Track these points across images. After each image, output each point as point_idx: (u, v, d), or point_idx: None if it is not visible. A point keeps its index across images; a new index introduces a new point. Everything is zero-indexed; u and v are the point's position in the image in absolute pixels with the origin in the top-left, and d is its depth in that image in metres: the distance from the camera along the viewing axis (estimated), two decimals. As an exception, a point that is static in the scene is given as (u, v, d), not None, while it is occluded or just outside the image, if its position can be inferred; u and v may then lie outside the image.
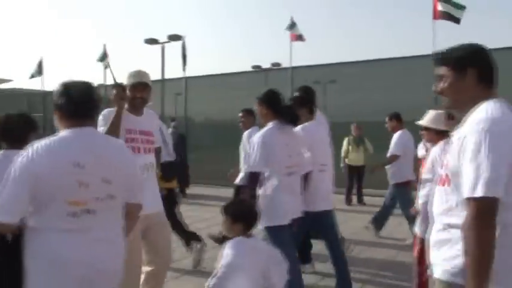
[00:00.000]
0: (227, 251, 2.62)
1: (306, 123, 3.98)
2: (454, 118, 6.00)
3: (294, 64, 12.83)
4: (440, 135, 3.69)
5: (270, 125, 3.56)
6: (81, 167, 2.03)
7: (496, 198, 1.61)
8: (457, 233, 1.76)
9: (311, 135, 3.91)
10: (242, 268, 2.57)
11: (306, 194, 3.81)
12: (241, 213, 2.77)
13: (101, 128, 3.18)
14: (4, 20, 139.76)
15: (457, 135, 1.81)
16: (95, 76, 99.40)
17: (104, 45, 17.32)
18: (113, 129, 3.07)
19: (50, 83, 48.60)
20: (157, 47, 18.86)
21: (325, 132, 4.25)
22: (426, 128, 3.86)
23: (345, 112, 11.22)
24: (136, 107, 3.34)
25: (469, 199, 1.64)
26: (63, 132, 2.12)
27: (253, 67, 19.62)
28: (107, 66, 16.97)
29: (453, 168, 1.79)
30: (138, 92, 3.29)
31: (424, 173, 3.69)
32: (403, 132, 6.24)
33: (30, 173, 1.97)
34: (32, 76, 18.63)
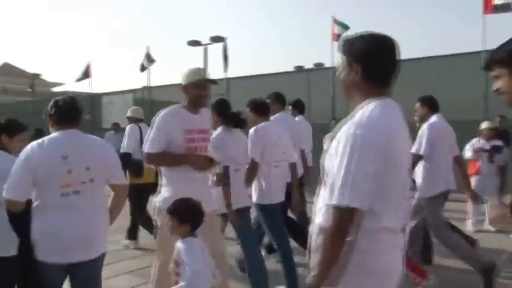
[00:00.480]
0: (185, 260, 2.57)
1: (260, 124, 4.25)
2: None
3: (336, 64, 12.74)
4: None
5: (219, 129, 4.10)
6: (68, 159, 2.69)
7: (359, 209, 1.60)
8: None
9: (261, 135, 4.19)
10: (201, 273, 2.55)
11: (261, 188, 4.24)
12: (189, 214, 2.68)
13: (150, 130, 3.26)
14: (58, 24, 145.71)
15: (335, 135, 1.75)
16: (139, 77, 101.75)
17: (148, 47, 17.70)
18: (170, 161, 3.27)
19: (98, 85, 50.12)
20: (200, 48, 19.16)
21: (282, 131, 4.54)
22: None
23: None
24: (199, 105, 3.33)
25: (334, 206, 1.61)
26: (53, 134, 2.79)
27: (295, 68, 19.56)
28: (144, 68, 17.30)
29: (326, 170, 1.76)
30: (203, 90, 3.29)
31: None
32: None
33: (32, 163, 2.64)
34: (78, 79, 19.27)
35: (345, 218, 1.61)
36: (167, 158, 3.24)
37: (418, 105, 4.90)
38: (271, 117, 5.18)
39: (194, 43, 19.05)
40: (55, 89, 46.04)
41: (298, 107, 6.31)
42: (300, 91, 12.50)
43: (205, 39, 18.78)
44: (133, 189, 5.55)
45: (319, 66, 18.58)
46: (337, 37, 13.04)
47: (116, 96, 17.32)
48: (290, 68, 19.03)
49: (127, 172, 5.71)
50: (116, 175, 2.95)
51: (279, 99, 5.54)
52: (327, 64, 14.68)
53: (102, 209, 2.89)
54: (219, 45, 17.04)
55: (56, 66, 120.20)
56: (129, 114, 6.61)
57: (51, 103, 2.85)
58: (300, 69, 18.35)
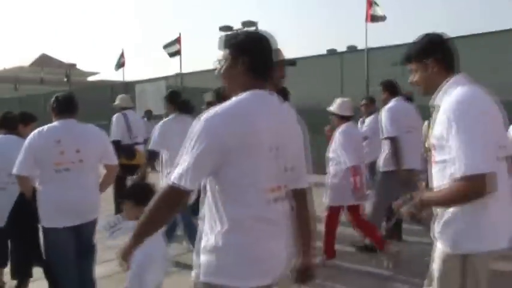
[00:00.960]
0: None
1: None
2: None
3: (370, 46, 12.37)
4: (343, 120, 4.63)
5: (171, 116, 4.85)
6: (61, 142, 3.37)
7: (183, 190, 1.68)
8: (208, 228, 1.79)
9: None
10: (152, 256, 2.54)
11: None
12: (144, 196, 2.54)
13: None
14: (92, 15, 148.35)
15: None
16: (172, 64, 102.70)
17: (179, 34, 17.71)
18: None
19: (131, 72, 50.89)
20: (231, 34, 19.04)
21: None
22: (333, 114, 4.68)
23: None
24: (277, 86, 3.16)
25: (170, 182, 1.70)
26: (53, 123, 3.49)
27: (328, 51, 19.24)
28: (173, 54, 17.20)
29: None
30: (282, 70, 3.07)
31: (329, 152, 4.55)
32: (375, 116, 6.29)
33: (32, 147, 3.38)
34: (117, 68, 19.51)
35: (175, 197, 1.71)
36: None
37: (380, 89, 5.31)
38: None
39: (226, 28, 18.95)
40: (90, 78, 47.02)
41: (282, 95, 6.29)
42: (333, 74, 12.29)
43: (237, 25, 18.69)
44: (122, 169, 6.23)
45: (352, 49, 18.17)
46: (372, 18, 12.65)
47: (148, 83, 17.49)
48: (323, 51, 18.74)
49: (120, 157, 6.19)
50: (107, 157, 3.66)
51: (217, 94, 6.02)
52: (360, 46, 14.30)
53: (92, 183, 3.56)
54: (250, 30, 16.91)
55: (91, 55, 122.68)
56: (116, 102, 7.01)
57: (53, 98, 3.56)
58: (332, 52, 18.04)
